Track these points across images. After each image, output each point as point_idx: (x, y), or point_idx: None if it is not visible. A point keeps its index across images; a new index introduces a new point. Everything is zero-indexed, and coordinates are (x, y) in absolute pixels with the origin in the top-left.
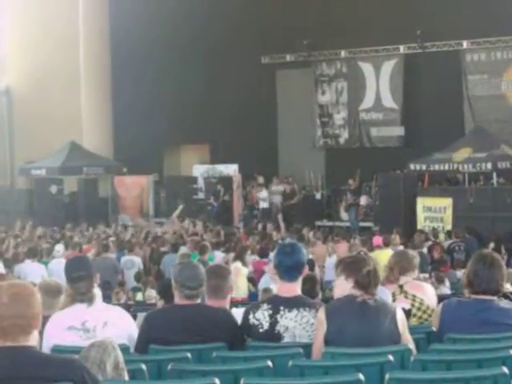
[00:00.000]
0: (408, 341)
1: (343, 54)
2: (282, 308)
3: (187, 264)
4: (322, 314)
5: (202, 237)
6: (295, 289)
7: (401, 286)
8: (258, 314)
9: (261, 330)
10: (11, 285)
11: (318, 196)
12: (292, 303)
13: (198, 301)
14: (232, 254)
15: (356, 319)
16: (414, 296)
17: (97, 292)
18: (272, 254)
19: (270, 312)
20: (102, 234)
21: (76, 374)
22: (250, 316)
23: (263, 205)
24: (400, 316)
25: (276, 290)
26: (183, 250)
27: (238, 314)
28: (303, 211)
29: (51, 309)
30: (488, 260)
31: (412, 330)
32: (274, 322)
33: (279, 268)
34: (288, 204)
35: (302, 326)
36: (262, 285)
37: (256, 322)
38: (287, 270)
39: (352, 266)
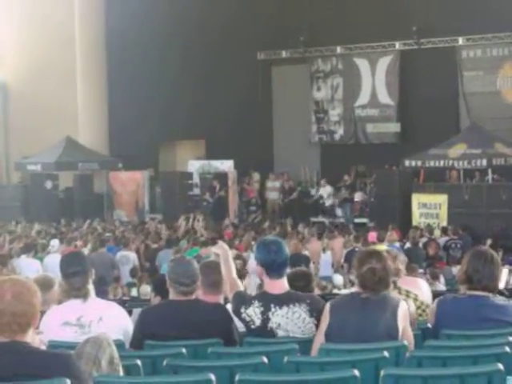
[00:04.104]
0: (408, 335)
1: (339, 50)
2: (272, 305)
3: (180, 260)
4: (326, 308)
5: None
6: (284, 285)
7: (394, 282)
8: (250, 311)
9: (252, 327)
10: (15, 282)
11: (313, 192)
12: (282, 300)
13: (193, 296)
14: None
15: (356, 314)
16: (408, 291)
17: (90, 287)
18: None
19: (262, 309)
20: (99, 228)
21: (71, 369)
22: (242, 310)
23: (272, 195)
24: (402, 310)
25: (265, 287)
26: (184, 244)
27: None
28: (298, 207)
29: (44, 303)
30: (488, 257)
31: None
32: (265, 319)
33: (271, 267)
34: (287, 200)
35: (294, 322)
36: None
37: (247, 318)
38: (277, 268)
39: (357, 263)
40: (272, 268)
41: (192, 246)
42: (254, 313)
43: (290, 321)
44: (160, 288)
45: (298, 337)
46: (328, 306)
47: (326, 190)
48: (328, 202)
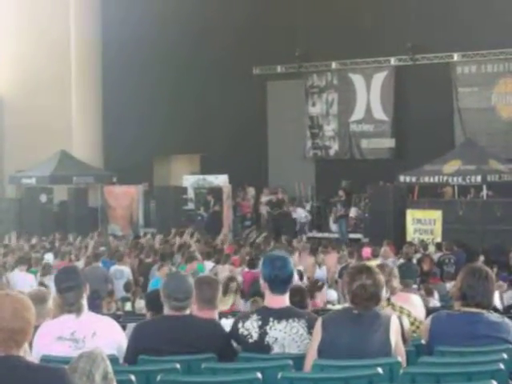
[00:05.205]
0: (400, 350)
1: (334, 65)
2: (271, 319)
3: (175, 275)
4: (318, 324)
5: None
6: (285, 300)
7: (388, 298)
8: (247, 324)
9: (250, 341)
10: (13, 299)
11: (308, 208)
12: (281, 314)
13: (187, 312)
14: (226, 266)
15: (349, 330)
16: (402, 308)
17: (84, 302)
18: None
19: (260, 323)
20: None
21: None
22: (240, 325)
23: (264, 210)
24: (394, 325)
25: (265, 302)
26: (178, 258)
27: (227, 325)
28: (292, 223)
29: (38, 317)
30: (482, 274)
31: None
32: (263, 333)
33: (274, 282)
34: (276, 212)
35: (292, 337)
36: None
37: (245, 332)
38: (281, 284)
39: (348, 279)
40: (275, 283)
41: (185, 260)
42: (251, 326)
43: (288, 336)
44: (152, 303)
45: (293, 353)
46: (320, 321)
47: (298, 214)
48: (303, 221)
